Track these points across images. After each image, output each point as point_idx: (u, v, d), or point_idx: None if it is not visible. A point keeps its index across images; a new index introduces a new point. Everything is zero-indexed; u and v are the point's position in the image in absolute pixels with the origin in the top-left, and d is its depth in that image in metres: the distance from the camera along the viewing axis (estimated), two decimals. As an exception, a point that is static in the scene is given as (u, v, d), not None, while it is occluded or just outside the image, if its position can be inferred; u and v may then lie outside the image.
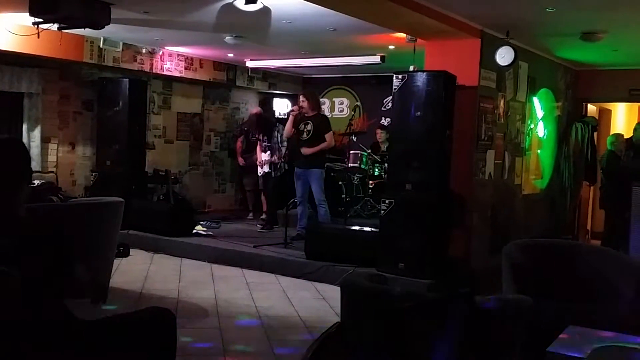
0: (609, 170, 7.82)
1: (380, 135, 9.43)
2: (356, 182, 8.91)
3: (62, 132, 8.43)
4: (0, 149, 2.33)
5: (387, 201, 5.97)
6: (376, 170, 8.95)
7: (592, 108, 9.40)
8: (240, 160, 9.25)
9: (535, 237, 6.76)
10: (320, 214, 7.44)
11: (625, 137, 8.22)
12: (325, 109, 10.85)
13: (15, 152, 2.32)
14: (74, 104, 8.55)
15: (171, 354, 2.69)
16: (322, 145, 7.37)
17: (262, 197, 8.75)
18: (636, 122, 10.42)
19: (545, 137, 8.39)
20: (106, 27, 6.01)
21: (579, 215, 9.27)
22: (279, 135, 8.24)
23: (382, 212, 6.02)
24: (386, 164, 8.11)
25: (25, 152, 2.39)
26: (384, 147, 9.23)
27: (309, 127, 7.41)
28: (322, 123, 7.48)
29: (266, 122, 8.59)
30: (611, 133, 8.68)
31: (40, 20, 5.72)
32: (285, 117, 10.93)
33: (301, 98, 7.49)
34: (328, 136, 7.44)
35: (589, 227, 9.74)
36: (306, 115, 7.43)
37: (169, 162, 9.55)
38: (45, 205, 5.32)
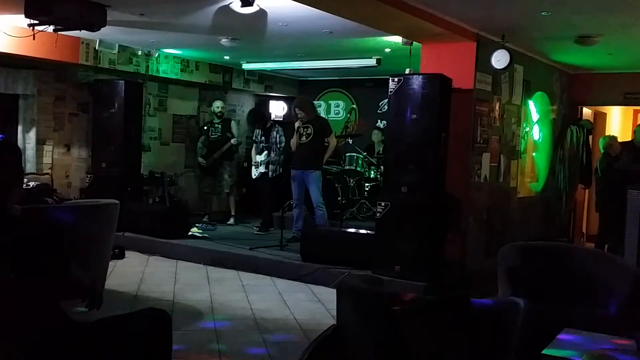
0: (603, 172, 7.81)
1: (375, 136, 9.46)
2: (352, 185, 8.92)
3: (58, 134, 8.41)
4: None
5: (382, 203, 5.97)
6: (372, 172, 8.97)
7: (587, 111, 9.43)
8: (201, 160, 9.19)
9: (530, 239, 6.78)
10: (318, 216, 7.44)
11: (619, 140, 8.22)
12: (321, 111, 10.87)
13: (4, 153, 2.31)
14: (70, 105, 8.54)
15: (167, 356, 2.68)
16: (331, 151, 7.69)
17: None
18: (631, 125, 10.49)
19: (540, 140, 8.42)
20: (102, 29, 6.01)
21: (574, 218, 9.29)
22: (278, 135, 8.25)
23: (378, 214, 6.02)
24: (382, 166, 8.13)
25: (15, 152, 2.38)
26: (379, 148, 9.26)
27: (308, 130, 7.44)
28: (322, 126, 7.54)
29: (262, 116, 8.57)
30: (602, 137, 8.68)
31: (36, 22, 5.71)
32: (282, 119, 11.01)
33: (297, 110, 7.51)
34: (331, 139, 7.66)
35: (584, 230, 9.77)
36: (306, 120, 7.48)
37: (164, 164, 9.54)
38: (41, 207, 5.30)
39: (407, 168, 5.84)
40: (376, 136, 9.49)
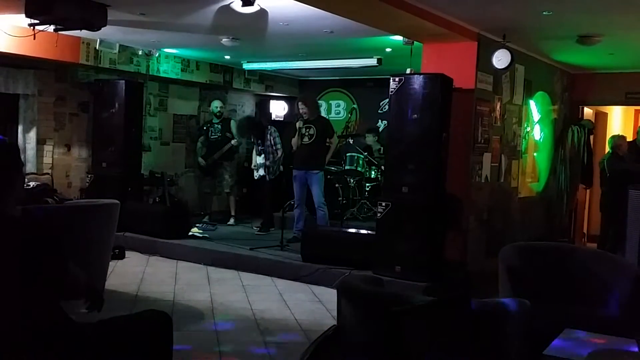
0: (611, 171, 7.75)
1: (369, 138, 9.43)
2: (352, 185, 8.92)
3: (58, 134, 8.41)
4: None
5: (383, 204, 5.97)
6: (372, 172, 8.97)
7: (588, 111, 9.42)
8: (201, 161, 9.17)
9: (531, 239, 6.77)
10: (319, 216, 7.44)
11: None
12: (322, 111, 10.87)
13: (3, 153, 2.31)
14: (70, 105, 8.54)
15: (167, 357, 2.68)
16: (332, 151, 7.75)
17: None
18: (632, 125, 10.48)
19: (541, 140, 8.41)
20: (102, 28, 6.00)
21: (575, 219, 9.28)
22: (272, 138, 8.25)
23: (379, 214, 6.02)
24: (382, 167, 8.12)
25: (14, 152, 2.38)
26: (376, 148, 9.23)
27: (311, 131, 7.43)
28: (324, 127, 7.53)
29: (257, 125, 8.55)
30: (609, 135, 8.66)
31: (37, 21, 5.70)
32: (282, 119, 11.02)
33: (300, 105, 7.50)
34: (333, 140, 7.68)
35: (585, 230, 9.76)
36: (308, 119, 7.46)
37: (165, 164, 9.54)
38: (41, 207, 5.30)
39: (407, 168, 5.84)
40: (369, 139, 9.46)
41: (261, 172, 8.33)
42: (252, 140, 8.56)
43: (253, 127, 8.47)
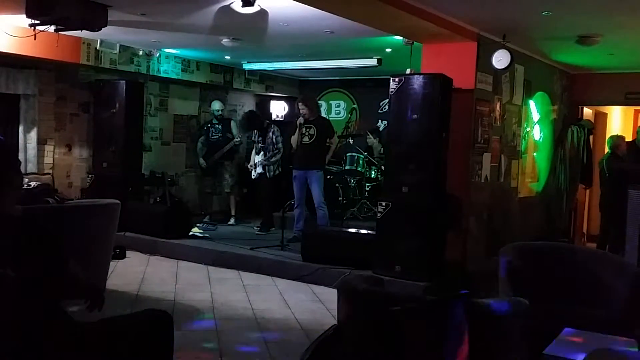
0: (610, 171, 7.77)
1: (369, 140, 9.42)
2: (353, 185, 8.92)
3: (59, 134, 8.41)
4: None
5: (383, 204, 5.98)
6: (373, 172, 8.97)
7: (587, 111, 9.42)
8: (202, 162, 9.17)
9: (531, 239, 6.78)
10: (319, 216, 7.45)
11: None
12: (322, 111, 10.87)
13: (1, 153, 2.32)
14: (71, 105, 8.54)
15: (168, 356, 2.69)
16: (332, 152, 7.79)
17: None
18: (632, 125, 10.49)
19: (541, 140, 8.41)
20: (103, 29, 6.00)
21: (575, 218, 9.29)
22: (274, 136, 8.25)
23: (379, 214, 6.03)
24: (382, 167, 8.13)
25: (12, 151, 2.39)
26: (378, 149, 9.23)
27: (311, 131, 7.44)
28: (325, 127, 7.54)
29: (257, 118, 8.56)
30: (609, 136, 8.67)
31: (37, 21, 5.71)
32: (283, 119, 11.02)
33: (300, 105, 7.51)
34: (333, 140, 7.71)
35: (585, 230, 9.76)
36: (308, 119, 7.46)
37: (165, 164, 9.54)
38: (42, 207, 5.31)
39: (407, 168, 5.85)
40: (370, 140, 9.44)
41: (259, 169, 8.33)
42: (253, 138, 8.57)
43: (253, 120, 8.48)
